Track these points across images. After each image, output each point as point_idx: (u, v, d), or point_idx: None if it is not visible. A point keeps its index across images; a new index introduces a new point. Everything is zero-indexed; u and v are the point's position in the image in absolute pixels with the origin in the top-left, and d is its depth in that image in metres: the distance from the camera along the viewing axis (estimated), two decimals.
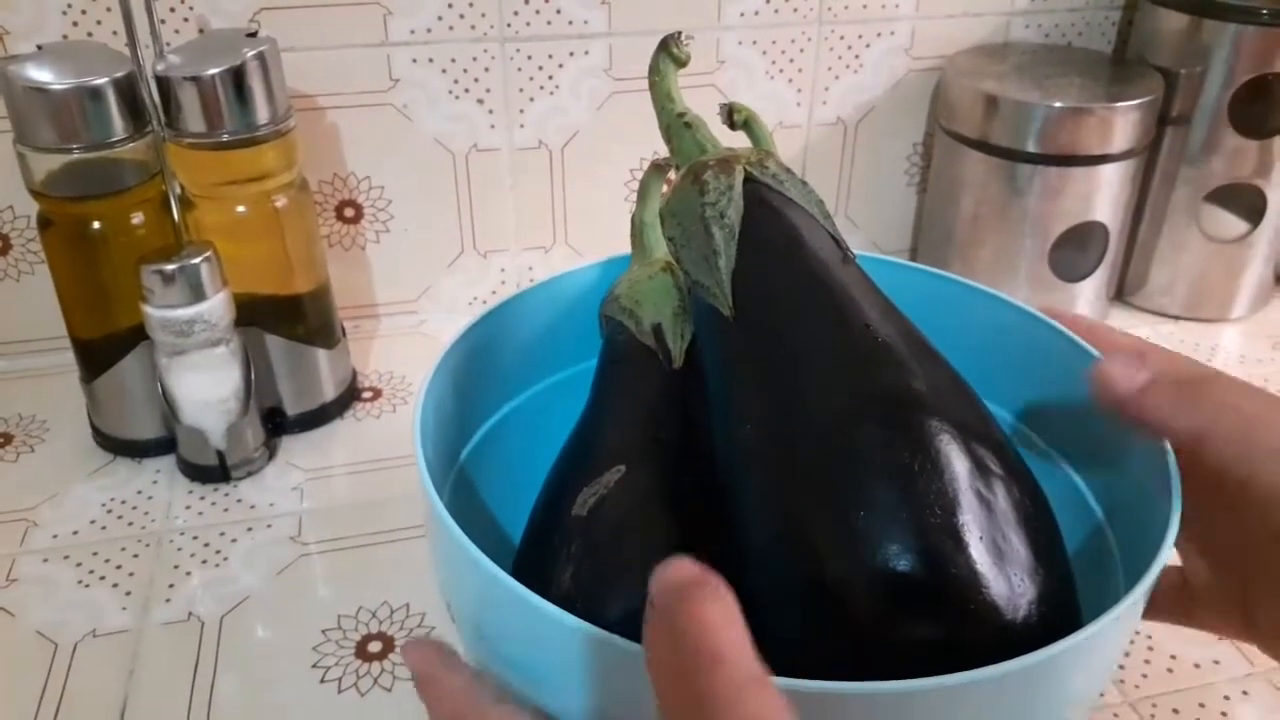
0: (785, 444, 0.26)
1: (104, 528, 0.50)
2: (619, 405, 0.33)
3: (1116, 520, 0.31)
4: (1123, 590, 0.24)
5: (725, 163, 0.30)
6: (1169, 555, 0.25)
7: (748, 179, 0.30)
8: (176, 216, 0.51)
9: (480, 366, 0.35)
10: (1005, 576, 0.23)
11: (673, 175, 0.33)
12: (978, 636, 0.23)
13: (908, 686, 0.20)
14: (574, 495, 0.30)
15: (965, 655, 0.21)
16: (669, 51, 0.33)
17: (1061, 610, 0.25)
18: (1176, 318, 0.69)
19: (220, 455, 0.52)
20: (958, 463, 0.25)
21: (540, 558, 0.29)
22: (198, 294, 0.49)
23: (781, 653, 0.20)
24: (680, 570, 0.21)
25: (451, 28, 0.60)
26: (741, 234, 0.29)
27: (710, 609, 0.20)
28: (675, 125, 0.33)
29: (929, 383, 0.26)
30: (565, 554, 0.28)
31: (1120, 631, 0.25)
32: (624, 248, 0.40)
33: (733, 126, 0.35)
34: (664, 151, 0.34)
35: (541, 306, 0.37)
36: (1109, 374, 0.28)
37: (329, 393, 0.57)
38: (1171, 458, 0.27)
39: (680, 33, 0.33)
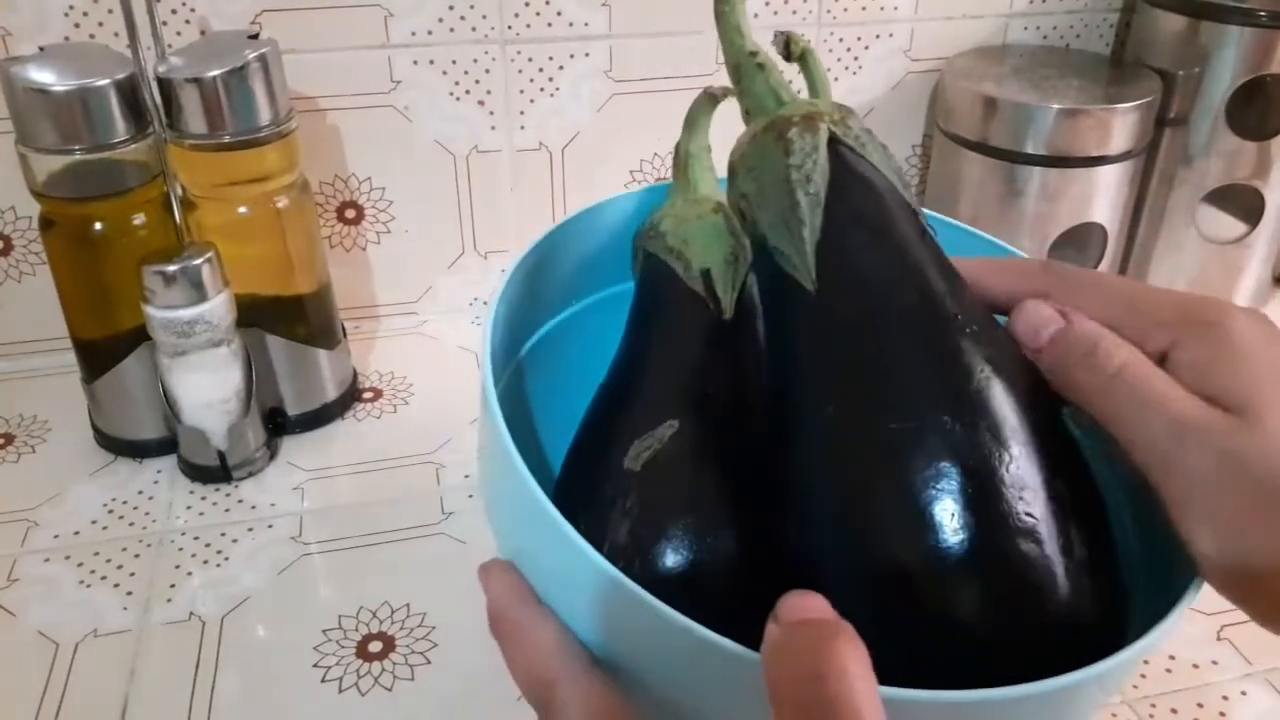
0: (869, 432, 0.25)
1: (105, 528, 0.50)
2: (667, 353, 0.31)
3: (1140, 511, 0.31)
4: (1143, 580, 0.25)
5: (810, 120, 0.28)
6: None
7: (832, 140, 0.28)
8: (178, 217, 0.51)
9: (539, 280, 0.34)
10: (1074, 578, 0.24)
11: (741, 120, 0.31)
12: (1040, 638, 0.23)
13: (979, 696, 0.21)
14: (624, 444, 0.29)
15: (1026, 655, 0.22)
16: None
17: (1115, 614, 0.25)
18: None
19: (221, 455, 0.52)
20: (1037, 462, 0.25)
21: (590, 504, 0.29)
22: (199, 295, 0.49)
23: None
24: (814, 603, 0.21)
25: (452, 30, 0.60)
26: (827, 203, 0.28)
27: (852, 662, 0.20)
28: (747, 64, 0.31)
29: (1011, 378, 0.26)
30: (621, 508, 0.28)
31: (1163, 640, 0.25)
32: None
33: (788, 58, 0.33)
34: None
35: (591, 229, 0.36)
36: (1014, 333, 0.27)
37: (330, 393, 0.58)
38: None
39: None
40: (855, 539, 0.25)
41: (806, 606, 0.21)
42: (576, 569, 0.24)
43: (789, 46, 0.32)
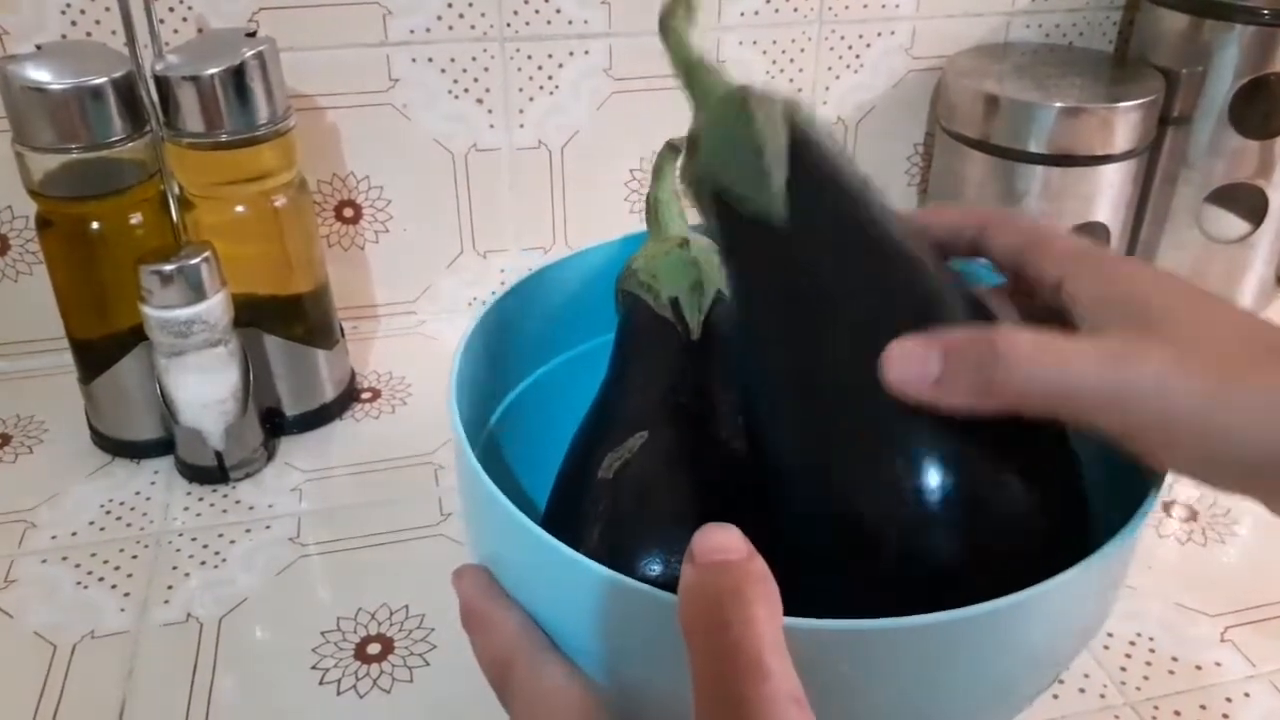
0: (839, 356, 0.27)
1: (102, 529, 0.50)
2: (639, 374, 0.34)
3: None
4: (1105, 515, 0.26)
5: (764, 95, 0.31)
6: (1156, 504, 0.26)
7: (785, 110, 0.31)
8: (175, 217, 0.51)
9: (506, 338, 0.36)
10: (1032, 510, 0.25)
11: (681, 130, 0.34)
12: (1003, 570, 0.24)
13: (904, 623, 0.22)
14: (599, 459, 0.31)
15: (990, 585, 0.23)
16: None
17: (1076, 543, 0.26)
18: None
19: (219, 456, 0.52)
20: None
21: (568, 517, 0.31)
22: (197, 294, 0.48)
23: (797, 585, 0.21)
24: (728, 539, 0.22)
25: (451, 27, 0.60)
26: (790, 154, 0.30)
27: (758, 606, 0.20)
28: (694, 67, 0.33)
29: (965, 301, 0.28)
30: (593, 514, 0.30)
31: (1114, 565, 0.26)
32: None
33: None
34: None
35: (562, 282, 0.39)
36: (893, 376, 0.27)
37: (328, 393, 0.57)
38: None
39: None
40: (810, 479, 0.26)
41: (721, 545, 0.22)
42: (524, 546, 0.26)
43: None
